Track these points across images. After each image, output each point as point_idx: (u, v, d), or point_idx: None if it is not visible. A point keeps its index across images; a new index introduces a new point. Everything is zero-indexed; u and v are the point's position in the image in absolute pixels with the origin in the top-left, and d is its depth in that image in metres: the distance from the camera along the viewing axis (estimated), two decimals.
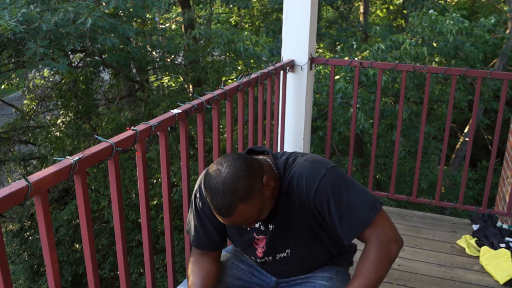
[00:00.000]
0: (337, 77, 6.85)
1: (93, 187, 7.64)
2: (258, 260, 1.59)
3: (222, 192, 1.26)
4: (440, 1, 9.56)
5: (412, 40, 7.01)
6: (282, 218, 1.44)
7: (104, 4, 5.50)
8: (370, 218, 1.31)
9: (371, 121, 6.69)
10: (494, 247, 2.81)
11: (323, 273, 1.59)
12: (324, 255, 1.58)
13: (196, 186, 1.54)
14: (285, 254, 1.54)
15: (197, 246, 1.57)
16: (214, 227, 1.53)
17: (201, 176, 1.54)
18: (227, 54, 8.24)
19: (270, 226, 1.48)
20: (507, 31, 9.22)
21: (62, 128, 8.62)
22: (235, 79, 6.48)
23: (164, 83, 9.87)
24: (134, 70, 8.66)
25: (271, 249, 1.53)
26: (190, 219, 1.59)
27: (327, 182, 1.33)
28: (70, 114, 8.56)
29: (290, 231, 1.47)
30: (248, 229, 1.53)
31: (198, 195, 1.52)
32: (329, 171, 1.34)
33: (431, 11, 7.36)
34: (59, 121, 8.76)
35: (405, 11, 10.73)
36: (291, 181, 1.38)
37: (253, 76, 2.43)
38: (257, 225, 1.50)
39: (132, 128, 1.58)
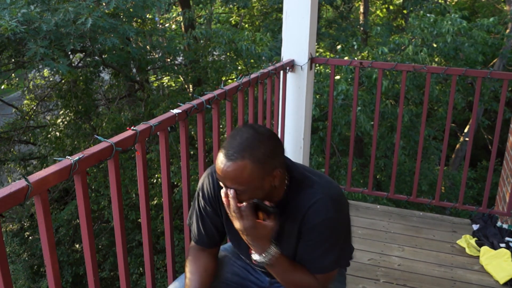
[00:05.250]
0: (337, 77, 6.85)
1: (93, 187, 7.64)
2: (252, 264, 1.63)
3: (245, 138, 1.31)
4: (440, 1, 9.55)
5: (412, 41, 7.00)
6: (280, 229, 1.47)
7: (104, 4, 5.50)
8: (326, 270, 1.47)
9: (372, 123, 6.70)
10: (494, 247, 2.81)
11: None
12: None
13: (200, 184, 1.57)
14: None
15: (197, 242, 1.61)
16: (214, 225, 1.57)
17: (204, 174, 1.58)
18: (228, 53, 8.24)
19: None
20: (507, 31, 9.22)
21: (62, 128, 8.62)
22: (235, 79, 6.47)
23: (164, 83, 9.87)
24: (134, 70, 8.66)
25: None
26: (192, 214, 1.62)
27: (333, 222, 1.42)
28: (70, 114, 8.57)
29: (284, 248, 1.49)
30: None
31: (201, 193, 1.55)
32: (341, 214, 1.44)
33: (428, 14, 7.35)
34: (59, 121, 8.76)
35: (405, 11, 10.73)
36: (311, 197, 1.41)
37: (253, 76, 2.43)
38: None
39: (132, 128, 1.58)
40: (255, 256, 1.42)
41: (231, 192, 1.34)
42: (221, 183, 1.37)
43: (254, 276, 1.70)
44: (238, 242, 1.58)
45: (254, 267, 1.70)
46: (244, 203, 1.36)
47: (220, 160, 1.32)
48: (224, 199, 1.37)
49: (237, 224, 1.38)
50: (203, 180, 1.56)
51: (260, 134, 1.33)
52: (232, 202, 1.35)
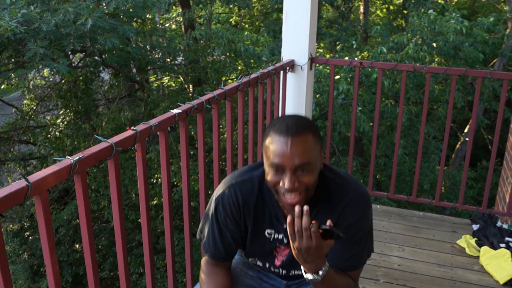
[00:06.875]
0: (337, 77, 6.85)
1: (93, 187, 7.64)
2: (273, 269, 1.59)
3: (298, 117, 1.35)
4: (440, 1, 9.56)
5: (412, 40, 7.01)
6: None
7: (104, 5, 5.50)
8: (361, 265, 1.52)
9: (371, 124, 6.70)
10: (494, 247, 2.81)
11: None
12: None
13: (217, 197, 1.49)
14: (300, 272, 1.55)
15: (213, 257, 1.55)
16: (233, 239, 1.51)
17: (219, 187, 1.51)
18: (227, 54, 8.24)
19: None
20: (507, 30, 9.22)
21: (62, 128, 8.62)
22: (235, 79, 6.48)
23: (164, 83, 9.88)
24: (134, 70, 8.66)
25: (290, 263, 1.54)
26: (204, 228, 1.55)
27: (366, 219, 1.47)
28: (70, 114, 8.57)
29: None
30: (271, 240, 1.52)
31: (220, 206, 1.47)
32: (371, 210, 1.50)
33: (430, 11, 7.35)
34: (59, 121, 8.76)
35: (405, 11, 10.73)
36: (343, 196, 1.43)
37: (253, 76, 2.44)
38: (280, 236, 1.50)
39: (132, 128, 1.58)
40: (309, 276, 1.36)
41: (304, 209, 1.26)
42: (275, 177, 1.31)
43: (269, 284, 1.67)
44: (262, 254, 1.56)
45: (267, 273, 1.67)
46: (313, 222, 1.29)
47: (282, 141, 1.29)
48: (289, 217, 1.28)
49: (302, 243, 1.28)
50: (222, 193, 1.47)
51: (305, 117, 1.40)
52: (305, 218, 1.27)
